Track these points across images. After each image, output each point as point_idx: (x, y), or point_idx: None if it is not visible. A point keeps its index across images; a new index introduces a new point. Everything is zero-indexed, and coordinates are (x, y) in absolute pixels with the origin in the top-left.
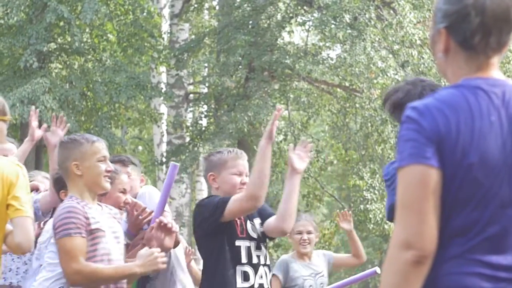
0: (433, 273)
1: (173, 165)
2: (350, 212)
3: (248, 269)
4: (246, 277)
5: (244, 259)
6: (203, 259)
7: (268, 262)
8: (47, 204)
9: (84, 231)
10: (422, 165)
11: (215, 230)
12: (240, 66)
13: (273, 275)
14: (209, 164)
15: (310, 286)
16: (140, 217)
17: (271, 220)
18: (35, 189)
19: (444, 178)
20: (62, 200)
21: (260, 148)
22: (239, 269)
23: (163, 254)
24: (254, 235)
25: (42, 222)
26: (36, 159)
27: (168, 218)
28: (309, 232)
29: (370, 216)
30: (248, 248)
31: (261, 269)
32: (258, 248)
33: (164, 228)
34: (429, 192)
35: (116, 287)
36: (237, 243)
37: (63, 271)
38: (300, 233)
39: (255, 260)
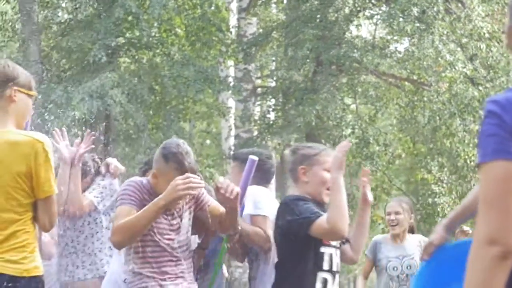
0: None
1: (251, 160)
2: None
3: (328, 276)
4: (325, 284)
5: (326, 266)
6: (280, 257)
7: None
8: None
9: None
10: (506, 161)
11: (301, 236)
12: (308, 60)
13: (366, 255)
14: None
15: (394, 267)
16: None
17: (347, 249)
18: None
19: None
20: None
21: (337, 183)
22: (319, 275)
23: (185, 181)
24: (337, 243)
25: None
26: (104, 153)
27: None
28: (397, 213)
29: (438, 209)
30: (331, 255)
31: (337, 277)
32: (338, 255)
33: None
34: None
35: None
36: (322, 249)
37: None
38: (388, 214)
39: (334, 268)
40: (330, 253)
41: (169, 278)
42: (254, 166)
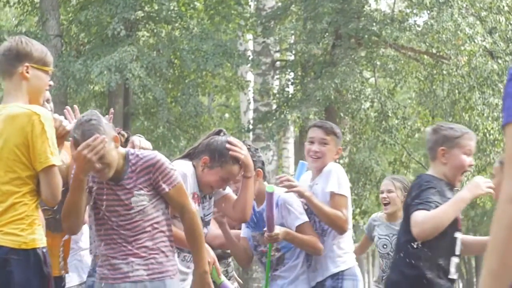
0: None
1: (269, 193)
2: None
3: (457, 260)
4: (455, 269)
5: (457, 251)
6: (410, 237)
7: None
8: None
9: None
10: None
11: None
12: (326, 33)
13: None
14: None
15: (384, 245)
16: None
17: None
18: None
19: None
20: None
21: (459, 201)
22: (453, 260)
23: (84, 151)
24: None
25: None
26: (123, 127)
27: None
28: (389, 191)
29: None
30: (460, 240)
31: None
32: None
33: None
34: None
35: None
36: (456, 234)
37: None
38: (381, 192)
39: (460, 252)
40: (460, 238)
41: (121, 256)
42: (273, 199)
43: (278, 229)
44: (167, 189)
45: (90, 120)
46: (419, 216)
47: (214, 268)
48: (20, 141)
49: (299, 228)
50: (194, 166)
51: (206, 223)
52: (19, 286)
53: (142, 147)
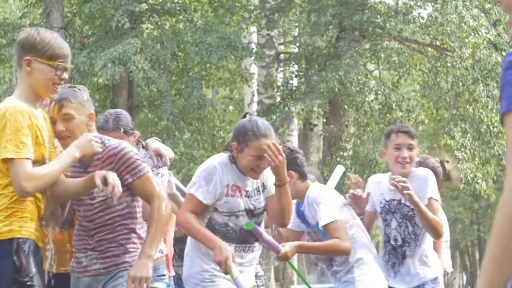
0: None
1: (254, 228)
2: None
3: None
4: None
5: None
6: None
7: None
8: None
9: None
10: None
11: None
12: (330, 26)
13: None
14: None
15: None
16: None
17: None
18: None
19: None
20: None
21: None
22: None
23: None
24: None
25: None
26: None
27: None
28: None
29: (461, 175)
30: None
31: None
32: None
33: None
34: None
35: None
36: None
37: None
38: None
39: None
40: None
41: (83, 249)
42: (257, 230)
43: (286, 247)
44: (130, 180)
45: (74, 87)
46: None
47: (227, 266)
48: None
49: (324, 228)
50: (230, 157)
51: (256, 216)
52: None
53: (171, 157)
